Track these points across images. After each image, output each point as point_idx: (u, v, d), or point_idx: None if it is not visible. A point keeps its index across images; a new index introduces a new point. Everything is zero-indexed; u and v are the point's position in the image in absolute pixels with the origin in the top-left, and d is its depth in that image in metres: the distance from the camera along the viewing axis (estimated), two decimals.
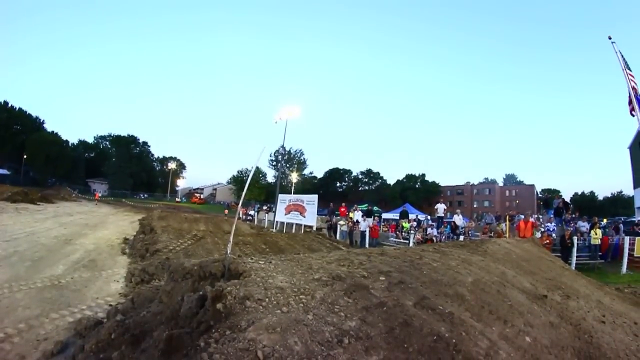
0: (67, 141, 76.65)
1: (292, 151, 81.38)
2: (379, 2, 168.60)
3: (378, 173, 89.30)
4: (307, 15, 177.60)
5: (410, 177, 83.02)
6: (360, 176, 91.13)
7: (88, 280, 7.40)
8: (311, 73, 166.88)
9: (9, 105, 67.83)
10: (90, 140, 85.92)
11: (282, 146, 38.46)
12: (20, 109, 69.61)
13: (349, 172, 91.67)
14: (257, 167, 27.61)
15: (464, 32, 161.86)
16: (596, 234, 14.36)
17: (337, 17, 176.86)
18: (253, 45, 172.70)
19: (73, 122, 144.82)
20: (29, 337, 4.45)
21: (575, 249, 13.13)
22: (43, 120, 74.48)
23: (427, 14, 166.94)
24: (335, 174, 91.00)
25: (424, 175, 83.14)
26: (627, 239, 13.16)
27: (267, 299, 2.47)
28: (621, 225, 18.60)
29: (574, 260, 12.73)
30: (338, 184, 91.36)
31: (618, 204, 68.88)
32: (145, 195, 75.31)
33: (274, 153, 75.10)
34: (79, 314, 5.32)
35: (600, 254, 14.17)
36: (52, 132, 73.35)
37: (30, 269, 7.74)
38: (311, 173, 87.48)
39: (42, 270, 7.69)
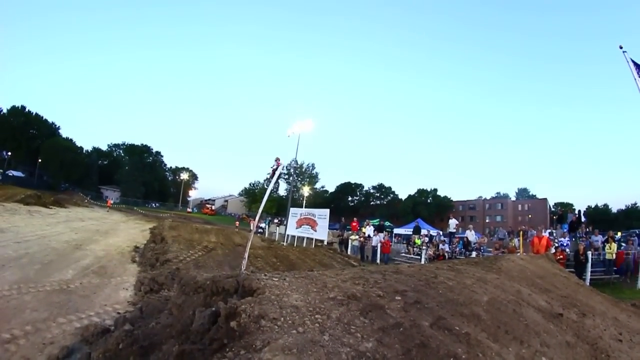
0: (81, 148, 78.13)
1: (304, 165, 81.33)
2: (392, 17, 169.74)
3: (390, 188, 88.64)
4: (321, 30, 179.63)
5: (422, 192, 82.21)
6: (371, 191, 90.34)
7: (97, 286, 7.41)
8: (324, 87, 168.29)
9: (26, 110, 69.37)
10: (104, 148, 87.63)
11: (295, 160, 38.52)
12: (36, 114, 71.15)
13: (360, 186, 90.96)
14: (270, 181, 27.53)
15: (477, 47, 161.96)
16: (610, 249, 14.03)
17: (350, 32, 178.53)
18: (268, 59, 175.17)
19: (88, 129, 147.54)
20: (35, 340, 4.44)
21: (589, 264, 12.86)
22: (59, 126, 76.05)
23: (438, 29, 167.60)
24: (346, 188, 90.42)
25: (435, 190, 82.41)
26: None
27: (282, 319, 2.42)
28: (635, 239, 18.07)
29: (588, 275, 12.45)
30: (349, 199, 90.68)
31: (633, 217, 67.24)
32: (157, 205, 75.89)
33: (286, 166, 75.27)
34: (87, 320, 5.31)
35: (615, 268, 13.84)
36: (67, 138, 74.87)
37: (39, 271, 7.79)
38: (323, 187, 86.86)
39: (52, 274, 7.73)
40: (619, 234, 23.71)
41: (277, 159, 8.46)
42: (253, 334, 2.19)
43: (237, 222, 43.75)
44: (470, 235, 18.30)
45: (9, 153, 64.46)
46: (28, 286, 6.61)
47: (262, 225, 36.26)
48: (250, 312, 2.42)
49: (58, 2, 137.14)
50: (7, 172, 57.04)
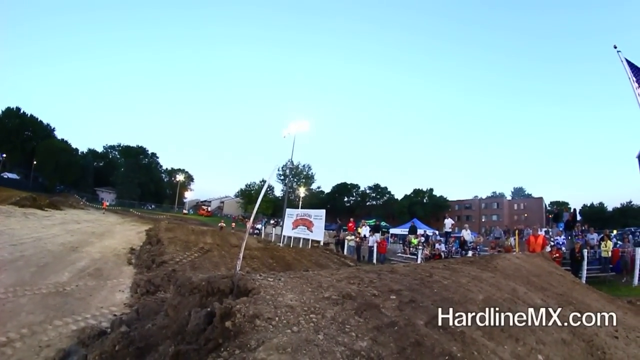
0: (76, 149, 77.55)
1: (300, 166, 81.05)
2: (388, 18, 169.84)
3: (386, 188, 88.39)
4: (317, 30, 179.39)
5: (417, 192, 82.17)
6: (367, 191, 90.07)
7: (93, 288, 7.39)
8: (320, 88, 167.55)
9: (21, 111, 68.80)
10: (100, 149, 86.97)
11: (290, 160, 38.43)
12: (31, 115, 70.51)
13: (356, 186, 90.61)
14: (266, 182, 27.69)
15: (472, 46, 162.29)
16: (606, 246, 14.10)
17: (346, 32, 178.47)
18: (264, 59, 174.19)
19: (83, 131, 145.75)
20: (32, 343, 4.43)
21: (585, 262, 12.92)
22: (54, 128, 75.42)
23: (434, 28, 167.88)
24: (342, 189, 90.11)
25: (431, 189, 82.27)
26: (638, 250, 12.92)
27: (277, 318, 2.42)
28: (630, 236, 18.11)
29: (584, 273, 12.52)
30: (345, 199, 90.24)
31: (628, 214, 67.46)
32: (153, 206, 75.53)
33: (282, 167, 75.31)
34: (83, 323, 5.31)
35: (611, 266, 13.91)
36: (62, 139, 74.28)
37: (35, 274, 7.75)
38: (319, 188, 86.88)
39: (48, 277, 7.70)
40: (615, 231, 23.84)
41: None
42: (248, 334, 2.20)
43: (234, 224, 40.55)
44: (466, 234, 18.33)
45: (4, 155, 64.07)
46: (24, 289, 6.59)
47: (259, 226, 36.09)
48: (245, 312, 2.42)
49: (53, 3, 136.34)
50: (2, 175, 56.70)
